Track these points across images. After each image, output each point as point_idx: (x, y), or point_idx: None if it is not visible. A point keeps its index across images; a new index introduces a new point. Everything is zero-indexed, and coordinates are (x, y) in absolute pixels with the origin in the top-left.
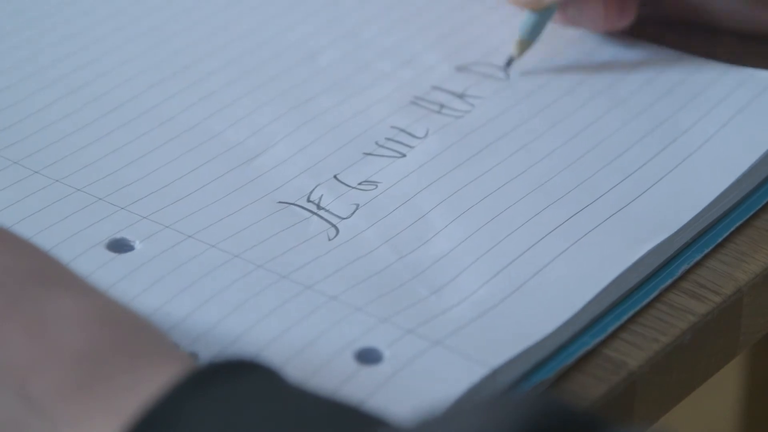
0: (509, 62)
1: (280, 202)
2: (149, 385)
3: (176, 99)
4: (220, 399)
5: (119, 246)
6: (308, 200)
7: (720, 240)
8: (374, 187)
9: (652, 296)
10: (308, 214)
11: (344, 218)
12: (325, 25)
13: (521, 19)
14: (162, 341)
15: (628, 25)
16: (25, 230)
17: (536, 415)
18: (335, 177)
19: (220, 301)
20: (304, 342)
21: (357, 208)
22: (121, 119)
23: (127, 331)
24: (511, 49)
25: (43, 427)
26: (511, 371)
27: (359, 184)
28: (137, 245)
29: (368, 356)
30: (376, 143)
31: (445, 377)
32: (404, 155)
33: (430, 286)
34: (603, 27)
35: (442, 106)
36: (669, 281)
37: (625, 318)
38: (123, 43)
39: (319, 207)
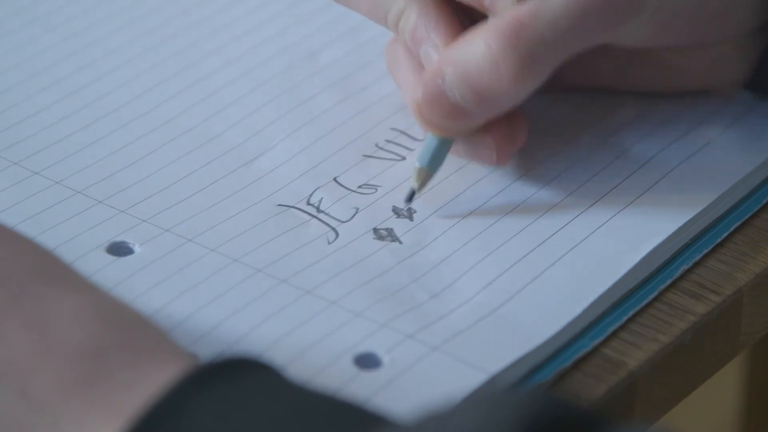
0: (411, 196)
1: (279, 205)
2: (151, 382)
3: (176, 100)
4: (222, 397)
5: (119, 249)
6: (308, 203)
7: (720, 240)
8: (374, 190)
9: (652, 296)
10: (308, 217)
11: (344, 222)
12: (324, 24)
13: (422, 148)
14: (164, 339)
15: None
16: (24, 232)
17: (537, 412)
18: (335, 179)
19: (219, 304)
20: (304, 346)
21: (357, 212)
22: (121, 120)
23: (129, 329)
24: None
25: (44, 425)
26: (509, 375)
27: (359, 187)
28: (137, 249)
29: (368, 361)
30: (376, 145)
31: (444, 382)
32: (404, 158)
33: (429, 291)
34: (495, 163)
35: None
36: (669, 281)
37: (624, 319)
38: (123, 44)
39: (318, 210)
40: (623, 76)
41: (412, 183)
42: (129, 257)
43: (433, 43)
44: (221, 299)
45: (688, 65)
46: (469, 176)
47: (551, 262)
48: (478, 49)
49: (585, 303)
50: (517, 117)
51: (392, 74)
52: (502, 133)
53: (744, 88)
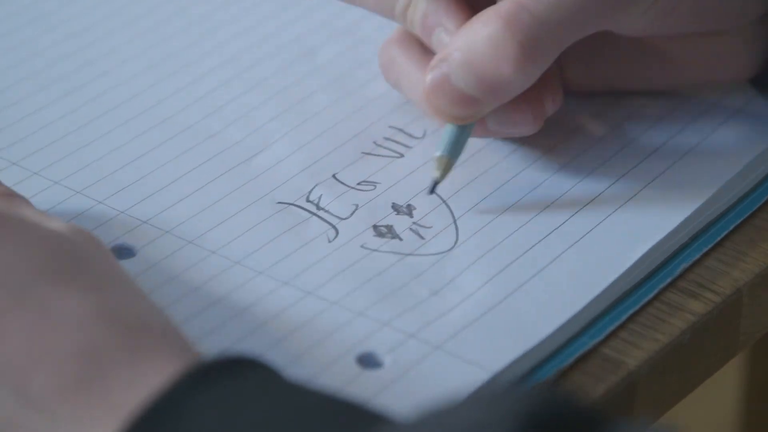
0: (434, 186)
1: (279, 203)
2: (150, 382)
3: (175, 98)
4: (222, 396)
5: (120, 252)
6: (307, 200)
7: (719, 239)
8: (373, 187)
9: (651, 296)
10: (308, 214)
11: (344, 219)
12: (322, 22)
13: (441, 134)
14: (167, 338)
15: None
16: None
17: (538, 409)
18: (334, 176)
19: (220, 307)
20: (306, 346)
21: (356, 209)
22: (120, 119)
23: (131, 328)
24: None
25: (42, 425)
26: (510, 373)
27: (358, 184)
28: (137, 251)
29: (369, 361)
30: (375, 143)
31: (446, 381)
32: (402, 155)
33: (429, 288)
34: (533, 128)
35: None
36: (668, 280)
37: (623, 318)
38: (122, 42)
39: (318, 207)
40: (626, 74)
41: (433, 173)
42: (130, 260)
43: (445, 28)
44: (222, 302)
45: (691, 58)
46: (471, 170)
47: (551, 259)
48: (480, 34)
49: (585, 299)
50: (551, 78)
51: (388, 75)
52: (530, 99)
53: (750, 83)
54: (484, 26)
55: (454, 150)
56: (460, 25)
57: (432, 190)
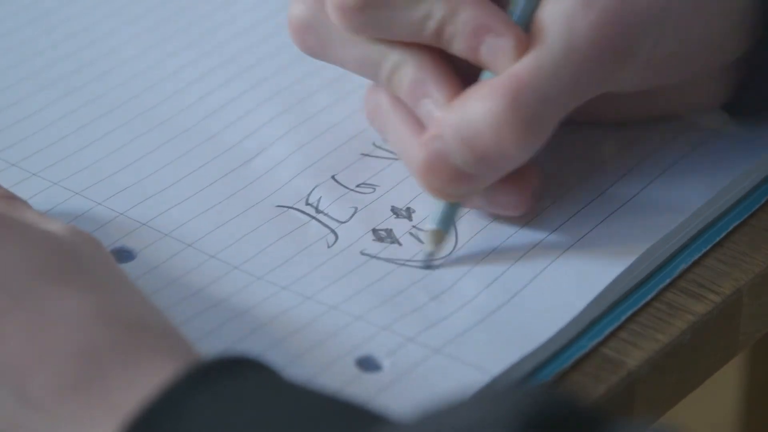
0: (428, 258)
1: (278, 206)
2: (149, 382)
3: (174, 99)
4: (220, 396)
5: (119, 255)
6: (307, 203)
7: (719, 239)
8: (372, 190)
9: (650, 296)
10: (307, 218)
11: (343, 222)
12: None
13: (433, 209)
14: (166, 338)
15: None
16: None
17: (537, 409)
18: (333, 178)
19: (219, 310)
20: (304, 349)
21: (355, 212)
22: (119, 120)
23: (130, 328)
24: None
25: (42, 425)
26: (510, 375)
27: (357, 186)
28: (136, 254)
29: (369, 365)
30: (374, 144)
31: (445, 384)
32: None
33: (429, 293)
34: (517, 212)
35: None
36: (667, 281)
37: (623, 318)
38: (120, 44)
39: (317, 210)
40: (606, 109)
41: (427, 246)
42: (129, 263)
43: (435, 99)
44: (221, 306)
45: (669, 94)
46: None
47: (550, 261)
48: (478, 111)
49: (584, 301)
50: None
51: (375, 123)
52: (519, 181)
53: (724, 110)
54: (483, 103)
55: (446, 223)
56: (450, 97)
57: (428, 265)
